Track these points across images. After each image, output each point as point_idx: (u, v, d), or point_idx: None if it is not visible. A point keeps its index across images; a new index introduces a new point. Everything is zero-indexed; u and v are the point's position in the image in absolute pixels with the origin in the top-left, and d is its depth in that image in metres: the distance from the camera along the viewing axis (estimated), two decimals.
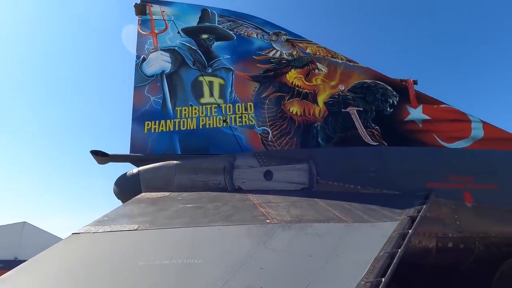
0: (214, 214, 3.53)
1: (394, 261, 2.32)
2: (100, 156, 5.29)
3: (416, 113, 6.67)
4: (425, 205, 3.98)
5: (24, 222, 51.59)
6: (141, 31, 6.54)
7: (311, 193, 4.98)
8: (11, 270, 2.47)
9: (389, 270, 2.18)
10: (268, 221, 3.24)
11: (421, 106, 6.74)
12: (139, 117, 5.87)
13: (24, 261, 2.74)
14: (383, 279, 2.07)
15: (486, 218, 5.13)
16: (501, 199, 5.33)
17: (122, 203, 5.29)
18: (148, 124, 5.82)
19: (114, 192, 5.26)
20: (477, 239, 5.08)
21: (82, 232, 2.99)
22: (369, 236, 2.88)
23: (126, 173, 5.27)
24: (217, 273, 2.23)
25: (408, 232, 2.85)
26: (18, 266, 2.51)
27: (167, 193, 4.73)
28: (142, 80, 6.15)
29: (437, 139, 6.44)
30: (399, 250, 2.45)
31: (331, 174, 5.35)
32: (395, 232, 2.84)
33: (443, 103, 6.87)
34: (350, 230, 3.08)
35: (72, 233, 2.96)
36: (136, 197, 4.46)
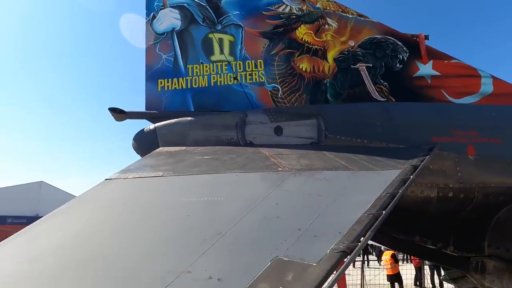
0: (230, 163, 3.82)
1: (395, 199, 2.60)
2: (118, 113, 5.54)
3: (425, 68, 6.67)
4: (428, 156, 4.20)
5: (41, 181, 53.83)
6: None
7: (320, 147, 5.22)
8: (55, 210, 2.78)
9: (389, 205, 2.46)
10: (280, 169, 3.52)
11: (431, 61, 6.72)
12: (152, 75, 6.02)
13: None
14: (383, 212, 2.35)
15: (486, 169, 5.37)
16: (504, 152, 5.54)
17: (140, 157, 5.65)
18: (161, 82, 5.98)
19: (133, 147, 5.58)
20: (476, 189, 5.37)
21: (114, 178, 3.32)
22: (373, 181, 3.15)
23: (144, 129, 5.55)
24: (238, 207, 2.55)
25: (410, 177, 3.11)
26: (60, 208, 2.82)
27: (183, 148, 5.02)
28: (153, 38, 6.21)
29: (445, 94, 6.50)
30: (399, 191, 2.72)
31: (339, 129, 5.55)
32: (398, 178, 3.10)
33: (453, 58, 6.82)
34: (356, 176, 3.36)
35: (105, 179, 3.30)
36: (155, 150, 4.76)
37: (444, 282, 16.51)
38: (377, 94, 6.38)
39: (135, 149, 5.57)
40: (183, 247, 2.13)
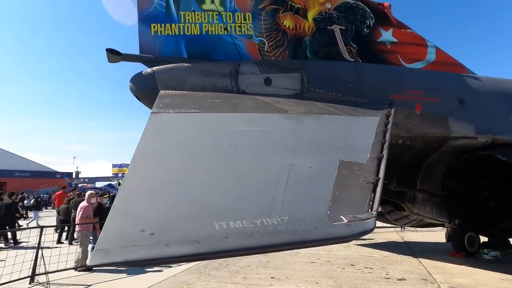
0: (245, 106, 4.42)
1: (388, 133, 3.56)
2: (114, 54, 5.62)
3: (387, 35, 7.71)
4: (393, 108, 5.29)
5: None
6: None
7: (303, 98, 6.03)
8: (137, 155, 2.99)
9: (387, 135, 3.41)
10: (290, 112, 4.25)
11: (391, 29, 7.77)
12: (145, 18, 6.06)
13: None
14: (386, 140, 3.30)
15: (428, 122, 6.77)
16: (441, 109, 6.99)
17: (136, 98, 5.89)
18: (154, 27, 6.08)
19: (130, 89, 5.77)
20: (419, 138, 6.79)
21: (161, 112, 3.70)
22: (365, 122, 4.08)
23: (142, 72, 5.73)
24: (287, 134, 3.27)
25: (389, 121, 4.10)
26: (144, 145, 3.05)
27: (185, 92, 5.41)
28: None
29: (400, 59, 7.69)
30: (388, 129, 3.69)
31: (318, 83, 6.38)
32: (381, 121, 4.06)
33: (408, 28, 7.98)
34: (351, 119, 4.27)
35: (151, 113, 3.65)
36: (162, 92, 5.07)
37: None
38: (347, 54, 7.28)
39: (132, 90, 5.77)
40: (277, 154, 2.82)
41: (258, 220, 2.20)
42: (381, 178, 2.57)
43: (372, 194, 2.40)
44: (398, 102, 6.56)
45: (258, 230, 2.13)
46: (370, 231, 2.22)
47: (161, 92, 5.18)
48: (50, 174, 58.85)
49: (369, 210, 2.24)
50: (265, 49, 6.67)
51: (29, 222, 18.25)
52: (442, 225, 9.71)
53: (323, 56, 7.12)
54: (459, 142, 6.98)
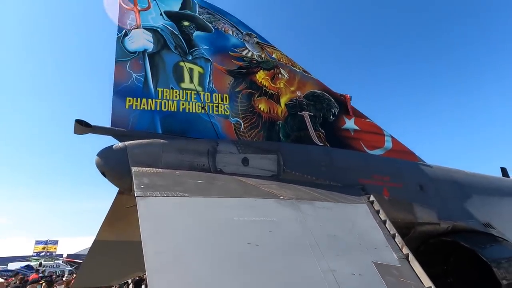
0: (231, 189, 4.12)
1: (387, 223, 3.46)
2: (83, 126, 5.16)
3: (350, 123, 8.33)
4: (371, 194, 5.37)
5: None
6: (123, 4, 6.39)
7: (280, 180, 5.93)
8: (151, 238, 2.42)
9: (387, 226, 3.29)
10: (281, 197, 4.02)
11: (353, 118, 8.44)
12: (121, 92, 5.83)
13: None
14: (396, 233, 3.17)
15: (396, 207, 6.97)
16: (404, 194, 7.31)
17: (102, 174, 5.30)
18: (129, 100, 5.85)
19: (96, 163, 5.19)
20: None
21: (148, 196, 3.21)
22: (358, 209, 3.99)
23: (112, 146, 5.26)
24: (299, 227, 2.96)
25: (380, 209, 4.07)
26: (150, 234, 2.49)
27: (160, 170, 5.01)
28: (123, 55, 6.08)
29: (363, 146, 8.21)
30: (386, 219, 3.61)
31: (294, 166, 6.41)
32: (371, 210, 4.02)
33: (368, 118, 8.75)
34: (342, 206, 4.16)
35: (137, 196, 3.15)
36: (135, 170, 4.61)
37: None
38: (316, 139, 7.60)
39: (98, 165, 5.19)
40: (306, 254, 2.44)
41: None
42: (432, 286, 2.37)
43: None
44: (367, 187, 6.77)
45: None
46: None
47: (135, 169, 4.74)
48: None
49: None
50: (241, 130, 6.69)
51: None
52: None
53: (294, 139, 7.33)
54: (425, 228, 7.20)
